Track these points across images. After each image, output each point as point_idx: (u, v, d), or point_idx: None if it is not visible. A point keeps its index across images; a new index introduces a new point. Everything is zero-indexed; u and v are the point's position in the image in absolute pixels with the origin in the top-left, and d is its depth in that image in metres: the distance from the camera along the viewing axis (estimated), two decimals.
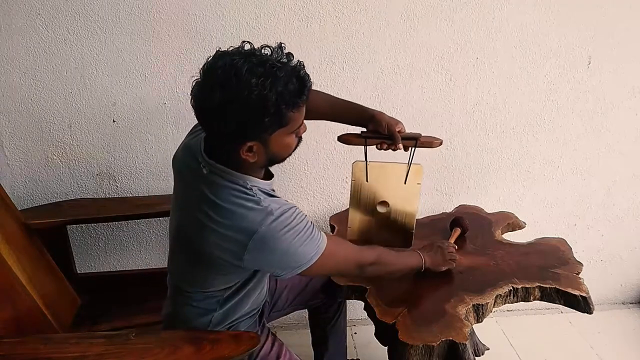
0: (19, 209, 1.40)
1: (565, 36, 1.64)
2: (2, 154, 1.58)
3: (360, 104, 1.26)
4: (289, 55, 0.93)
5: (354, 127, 1.24)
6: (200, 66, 0.92)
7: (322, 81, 1.59)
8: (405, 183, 1.25)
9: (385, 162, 1.24)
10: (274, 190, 1.08)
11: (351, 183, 1.27)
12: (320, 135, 1.69)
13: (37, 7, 1.43)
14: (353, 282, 1.29)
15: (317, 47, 1.56)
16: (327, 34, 1.55)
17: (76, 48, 1.48)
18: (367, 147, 1.20)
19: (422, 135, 1.20)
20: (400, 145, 1.17)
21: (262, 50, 0.92)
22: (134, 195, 1.69)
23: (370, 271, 1.17)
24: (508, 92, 1.71)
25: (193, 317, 1.12)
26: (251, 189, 0.99)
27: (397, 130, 1.17)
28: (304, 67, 0.94)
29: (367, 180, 1.26)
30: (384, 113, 1.20)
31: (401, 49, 1.60)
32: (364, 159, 1.23)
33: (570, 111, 1.76)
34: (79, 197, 1.65)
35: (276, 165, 1.06)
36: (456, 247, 1.36)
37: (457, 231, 1.47)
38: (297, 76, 0.91)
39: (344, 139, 1.22)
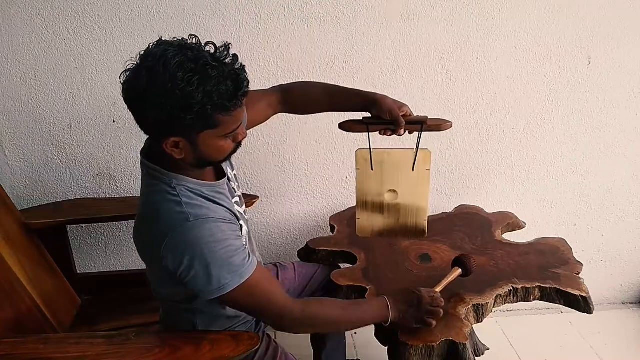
0: (19, 209, 1.40)
1: (565, 36, 1.64)
2: (2, 154, 1.58)
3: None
4: (234, 56, 0.88)
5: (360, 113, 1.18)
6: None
7: (322, 81, 1.59)
8: (413, 170, 1.18)
9: (391, 148, 1.17)
10: (223, 193, 1.02)
11: (356, 172, 1.19)
12: (320, 135, 1.69)
13: (37, 7, 1.43)
14: (353, 282, 1.29)
15: (317, 47, 1.56)
16: (327, 34, 1.55)
17: (76, 48, 1.48)
18: (371, 133, 1.12)
19: (429, 118, 1.12)
20: (402, 131, 1.09)
21: (206, 47, 0.88)
22: (134, 195, 1.69)
23: (297, 330, 1.06)
24: (508, 92, 1.71)
25: (180, 326, 1.11)
26: (175, 188, 0.94)
27: (402, 113, 1.08)
28: (245, 71, 0.89)
29: (372, 169, 1.18)
30: (386, 96, 1.11)
31: (401, 49, 1.60)
32: (367, 147, 1.16)
33: (570, 111, 1.76)
34: (79, 197, 1.65)
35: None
36: (442, 300, 1.13)
37: (456, 272, 1.25)
38: (233, 79, 0.86)
39: (345, 126, 1.14)
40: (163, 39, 0.89)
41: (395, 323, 1.09)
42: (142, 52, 0.88)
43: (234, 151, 0.98)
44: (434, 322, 1.09)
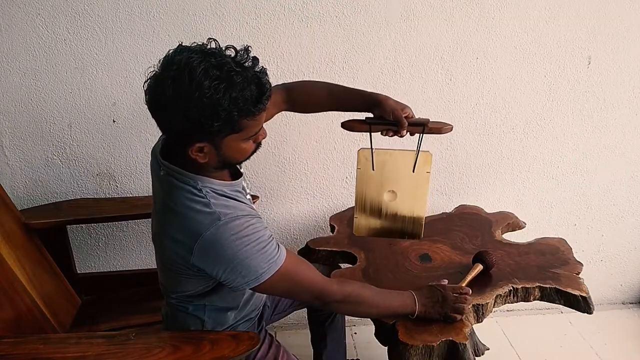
0: (19, 209, 1.40)
1: (565, 36, 1.64)
2: (2, 154, 1.58)
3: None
4: (255, 59, 0.89)
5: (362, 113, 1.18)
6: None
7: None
8: (413, 171, 1.19)
9: (393, 149, 1.18)
10: (241, 192, 1.04)
11: (357, 172, 1.21)
12: (320, 135, 1.69)
13: (37, 7, 1.43)
14: None
15: (317, 47, 1.56)
16: (327, 34, 1.55)
17: (76, 48, 1.48)
18: (373, 133, 1.14)
19: (431, 120, 1.13)
20: (404, 132, 1.11)
21: (227, 51, 0.88)
22: (134, 195, 1.69)
23: (336, 308, 1.11)
24: (508, 92, 1.71)
25: (187, 324, 1.12)
26: (201, 189, 0.96)
27: (404, 115, 1.09)
28: (266, 74, 0.90)
29: (372, 169, 1.20)
30: (389, 97, 1.13)
31: (401, 49, 1.60)
32: (369, 147, 1.17)
33: (570, 111, 1.76)
34: (79, 197, 1.65)
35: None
36: (469, 291, 1.17)
37: (478, 268, 1.29)
38: (257, 83, 0.87)
39: (348, 125, 1.15)
40: (183, 44, 0.89)
41: (421, 317, 1.14)
42: (163, 59, 0.88)
43: (255, 151, 1.00)
44: (459, 317, 1.13)
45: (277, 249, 0.98)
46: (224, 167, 1.00)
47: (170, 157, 0.99)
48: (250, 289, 0.98)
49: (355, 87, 1.22)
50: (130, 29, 1.47)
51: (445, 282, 1.22)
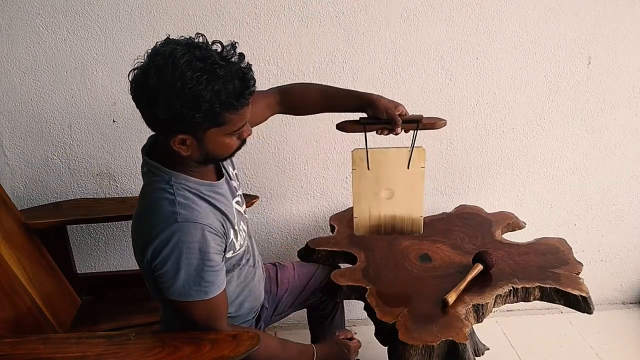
0: (19, 209, 1.40)
1: (565, 36, 1.64)
2: (2, 154, 1.58)
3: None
4: (241, 55, 0.90)
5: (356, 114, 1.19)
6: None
7: (322, 81, 1.58)
8: (408, 168, 1.20)
9: (386, 147, 1.20)
10: (222, 194, 1.03)
11: (352, 172, 1.22)
12: (320, 135, 1.69)
13: (37, 7, 1.43)
14: (353, 283, 1.29)
15: (317, 47, 1.56)
16: (327, 34, 1.55)
17: (76, 48, 1.48)
18: (368, 133, 1.15)
19: (424, 116, 1.14)
20: (399, 130, 1.11)
21: (213, 46, 0.89)
22: (134, 195, 1.68)
23: None
24: (508, 92, 1.71)
25: (181, 326, 1.11)
26: (172, 185, 0.95)
27: (398, 113, 1.10)
28: (251, 69, 0.91)
29: (368, 168, 1.21)
30: (382, 96, 1.13)
31: (401, 49, 1.60)
32: (364, 146, 1.18)
33: (570, 111, 1.76)
34: (79, 197, 1.65)
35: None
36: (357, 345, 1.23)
37: (478, 268, 1.31)
38: (241, 78, 0.88)
39: (342, 126, 1.17)
40: (170, 37, 0.89)
41: None
42: (150, 51, 0.88)
43: (239, 148, 1.00)
44: None
45: (217, 279, 0.96)
46: (207, 162, 0.99)
47: (153, 154, 0.99)
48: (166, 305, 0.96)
49: (354, 88, 1.22)
50: (130, 29, 1.47)
51: (354, 339, 1.25)
